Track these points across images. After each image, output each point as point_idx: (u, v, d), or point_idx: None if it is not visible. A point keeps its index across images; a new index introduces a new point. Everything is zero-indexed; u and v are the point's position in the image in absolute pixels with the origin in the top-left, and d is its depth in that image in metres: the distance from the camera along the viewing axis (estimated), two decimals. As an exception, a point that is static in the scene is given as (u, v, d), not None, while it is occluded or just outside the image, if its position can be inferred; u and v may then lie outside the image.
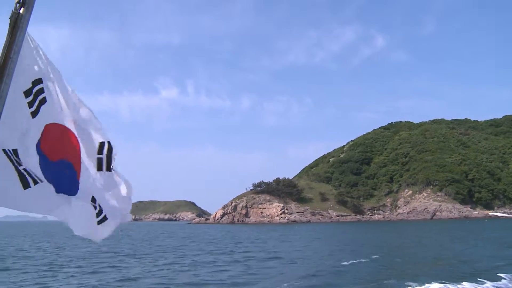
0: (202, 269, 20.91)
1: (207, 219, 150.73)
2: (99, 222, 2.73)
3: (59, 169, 2.56)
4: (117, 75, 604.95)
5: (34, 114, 2.40)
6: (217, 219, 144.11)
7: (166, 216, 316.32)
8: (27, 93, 2.36)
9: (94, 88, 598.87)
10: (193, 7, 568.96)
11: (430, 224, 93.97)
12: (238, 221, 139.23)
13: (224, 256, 27.81)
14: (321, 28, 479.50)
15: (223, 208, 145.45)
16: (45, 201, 2.51)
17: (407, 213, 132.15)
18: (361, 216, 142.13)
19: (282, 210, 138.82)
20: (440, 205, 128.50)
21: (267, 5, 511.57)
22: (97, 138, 2.74)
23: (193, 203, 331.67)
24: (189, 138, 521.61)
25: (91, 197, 2.68)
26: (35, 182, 2.41)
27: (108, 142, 2.77)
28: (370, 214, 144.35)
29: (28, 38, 2.32)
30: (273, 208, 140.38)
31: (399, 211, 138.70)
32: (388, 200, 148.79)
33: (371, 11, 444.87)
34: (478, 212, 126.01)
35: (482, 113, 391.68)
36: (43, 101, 2.45)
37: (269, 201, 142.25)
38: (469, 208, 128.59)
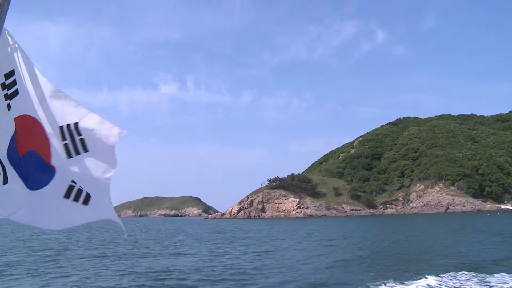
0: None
1: (223, 214, 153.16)
2: (81, 203, 2.75)
3: (29, 161, 2.60)
4: (117, 71, 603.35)
5: (8, 107, 2.42)
6: (233, 214, 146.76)
7: (172, 212, 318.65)
8: (2, 86, 2.37)
9: (93, 84, 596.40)
10: (194, 2, 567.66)
11: (450, 217, 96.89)
12: (254, 216, 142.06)
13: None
14: (322, 23, 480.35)
15: (239, 203, 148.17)
16: (7, 203, 2.55)
17: (421, 207, 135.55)
18: (375, 210, 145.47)
19: (298, 205, 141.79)
20: (453, 199, 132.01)
21: (267, 0, 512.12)
22: (58, 122, 2.70)
23: (198, 199, 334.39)
24: (190, 134, 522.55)
25: (69, 184, 2.72)
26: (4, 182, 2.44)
27: (68, 125, 2.70)
28: (383, 208, 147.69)
29: None
30: (289, 203, 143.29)
31: (412, 205, 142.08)
32: (400, 195, 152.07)
33: (371, 6, 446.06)
34: (490, 206, 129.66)
35: (482, 107, 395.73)
36: (15, 93, 2.47)
37: (285, 196, 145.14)
38: (481, 202, 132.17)
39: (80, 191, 2.68)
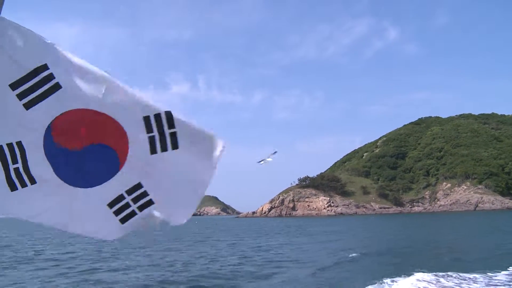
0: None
1: (253, 213, 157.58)
2: (127, 218, 2.41)
3: (92, 155, 2.30)
4: (128, 71, 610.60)
5: (28, 105, 2.18)
6: (264, 212, 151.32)
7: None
8: (13, 85, 2.15)
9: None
10: (204, 2, 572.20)
11: (490, 215, 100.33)
12: (285, 214, 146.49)
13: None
14: (333, 21, 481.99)
15: (271, 202, 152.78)
16: (31, 205, 2.31)
17: (450, 205, 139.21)
18: (402, 208, 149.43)
19: (329, 203, 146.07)
20: (482, 197, 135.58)
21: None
22: (140, 113, 2.28)
23: (216, 198, 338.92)
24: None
25: (134, 184, 2.37)
26: (23, 185, 2.25)
27: (158, 114, 2.27)
28: (410, 206, 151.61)
29: (10, 27, 2.12)
30: (320, 202, 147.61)
31: (440, 203, 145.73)
32: (426, 193, 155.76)
33: (382, 4, 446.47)
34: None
35: (495, 105, 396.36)
36: (56, 87, 2.21)
37: (315, 195, 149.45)
38: (510, 200, 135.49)
39: (127, 205, 2.39)
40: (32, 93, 2.20)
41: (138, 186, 2.38)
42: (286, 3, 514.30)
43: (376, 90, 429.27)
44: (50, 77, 2.21)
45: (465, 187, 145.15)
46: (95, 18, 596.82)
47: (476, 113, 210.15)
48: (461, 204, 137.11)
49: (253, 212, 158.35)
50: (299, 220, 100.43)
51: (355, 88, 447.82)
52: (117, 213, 2.41)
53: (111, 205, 2.40)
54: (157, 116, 2.29)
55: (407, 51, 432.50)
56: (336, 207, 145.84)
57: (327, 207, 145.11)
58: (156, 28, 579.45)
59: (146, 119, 2.29)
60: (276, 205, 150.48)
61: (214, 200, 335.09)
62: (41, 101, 2.21)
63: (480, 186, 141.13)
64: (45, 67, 2.21)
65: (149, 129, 2.30)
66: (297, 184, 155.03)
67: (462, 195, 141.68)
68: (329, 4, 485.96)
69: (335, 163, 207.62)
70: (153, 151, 2.32)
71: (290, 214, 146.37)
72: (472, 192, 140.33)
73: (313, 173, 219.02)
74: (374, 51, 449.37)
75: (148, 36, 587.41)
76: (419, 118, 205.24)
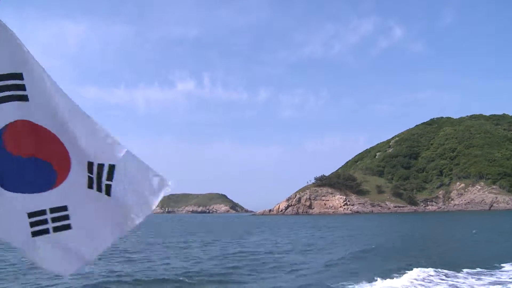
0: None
1: (270, 211, 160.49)
2: (39, 233, 2.38)
3: (27, 166, 2.31)
4: (134, 68, 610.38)
5: None
6: (281, 210, 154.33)
7: (199, 209, 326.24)
8: None
9: (110, 82, 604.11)
10: (210, 0, 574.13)
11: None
12: (302, 212, 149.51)
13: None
14: (339, 20, 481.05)
15: (288, 200, 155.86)
16: None
17: (465, 204, 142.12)
18: (417, 207, 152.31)
19: (345, 202, 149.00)
20: (496, 197, 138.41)
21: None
22: (86, 157, 2.34)
23: (225, 196, 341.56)
24: (207, 131, 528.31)
25: (60, 205, 2.41)
26: None
27: (101, 165, 2.34)
28: (424, 206, 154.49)
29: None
30: (336, 200, 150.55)
31: (455, 202, 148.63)
32: (440, 193, 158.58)
33: (389, 3, 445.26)
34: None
35: (502, 106, 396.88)
36: (22, 98, 2.21)
37: (331, 193, 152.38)
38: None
39: (44, 221, 2.39)
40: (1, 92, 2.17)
41: (63, 208, 2.41)
42: (292, 1, 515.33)
43: (382, 89, 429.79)
44: (22, 87, 2.22)
45: (479, 187, 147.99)
46: (102, 15, 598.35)
47: (487, 114, 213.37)
48: (476, 203, 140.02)
49: (270, 210, 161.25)
50: (325, 218, 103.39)
51: (361, 87, 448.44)
52: (32, 224, 2.38)
53: (30, 215, 2.38)
54: (100, 166, 2.35)
55: (413, 50, 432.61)
56: (352, 205, 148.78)
57: (344, 205, 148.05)
58: (162, 26, 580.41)
59: (90, 164, 2.36)
60: (293, 203, 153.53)
61: (223, 198, 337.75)
62: (4, 102, 2.20)
63: (494, 186, 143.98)
64: (20, 76, 2.20)
65: (90, 171, 2.38)
66: (313, 183, 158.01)
67: (476, 195, 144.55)
68: (335, 3, 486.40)
69: (347, 162, 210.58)
70: (89, 186, 2.41)
71: (306, 212, 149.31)
72: (486, 192, 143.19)
73: (321, 171, 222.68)
74: (380, 50, 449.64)
75: (154, 33, 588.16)
76: (431, 119, 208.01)
